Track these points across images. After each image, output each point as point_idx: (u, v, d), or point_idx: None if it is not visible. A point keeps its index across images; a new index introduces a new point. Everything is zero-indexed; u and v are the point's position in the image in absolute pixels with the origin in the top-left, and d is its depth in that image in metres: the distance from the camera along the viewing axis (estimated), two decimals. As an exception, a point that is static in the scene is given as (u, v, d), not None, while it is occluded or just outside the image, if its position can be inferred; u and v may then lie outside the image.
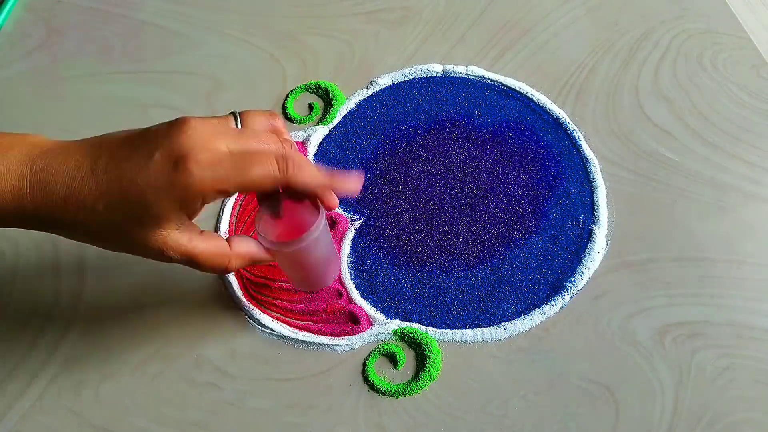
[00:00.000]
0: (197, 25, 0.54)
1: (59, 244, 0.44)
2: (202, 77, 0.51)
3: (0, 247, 0.44)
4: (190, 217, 0.31)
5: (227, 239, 0.33)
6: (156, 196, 0.28)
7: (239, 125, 0.32)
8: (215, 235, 0.33)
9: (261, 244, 0.34)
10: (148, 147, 0.29)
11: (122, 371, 0.39)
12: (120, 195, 0.29)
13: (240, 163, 0.29)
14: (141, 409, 0.38)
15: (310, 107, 0.49)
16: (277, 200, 0.34)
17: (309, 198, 0.34)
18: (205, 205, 0.30)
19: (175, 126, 0.29)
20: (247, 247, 0.33)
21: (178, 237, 0.31)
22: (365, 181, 0.46)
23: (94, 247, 0.44)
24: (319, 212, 0.34)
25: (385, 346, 0.40)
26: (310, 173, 0.32)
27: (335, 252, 0.40)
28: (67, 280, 0.42)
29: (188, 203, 0.29)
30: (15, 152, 0.29)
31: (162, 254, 0.31)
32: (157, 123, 0.30)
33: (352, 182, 0.34)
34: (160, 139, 0.29)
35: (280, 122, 0.34)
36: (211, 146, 0.29)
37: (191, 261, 0.32)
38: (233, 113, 0.32)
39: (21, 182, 0.29)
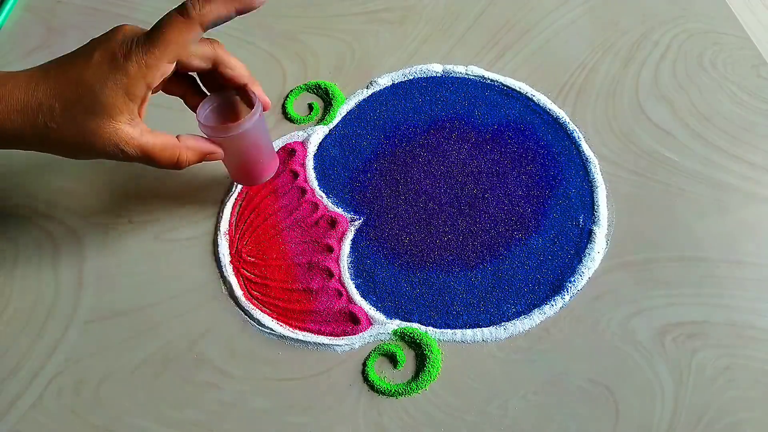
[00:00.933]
0: (197, 25, 0.54)
1: (59, 244, 0.44)
2: (202, 77, 0.51)
3: (0, 247, 0.44)
4: (140, 108, 0.34)
5: (177, 136, 0.36)
6: (102, 85, 0.32)
7: None
8: (163, 132, 0.36)
9: (205, 135, 0.38)
10: (88, 50, 0.33)
11: (122, 371, 0.39)
12: (72, 91, 0.32)
13: (153, 33, 0.33)
14: (141, 409, 0.38)
15: (310, 107, 0.49)
16: (218, 99, 0.39)
17: (242, 98, 0.39)
18: (150, 90, 0.34)
19: (111, 31, 0.34)
20: (194, 141, 0.37)
21: (130, 131, 0.34)
22: (365, 180, 0.46)
23: (94, 247, 0.44)
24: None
25: (385, 346, 0.40)
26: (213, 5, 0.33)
27: (273, 149, 0.43)
28: (67, 280, 0.42)
29: (131, 88, 0.32)
30: None
31: (118, 148, 0.34)
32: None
33: None
34: (99, 42, 0.33)
35: None
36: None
37: (146, 155, 0.35)
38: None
39: None
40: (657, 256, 0.42)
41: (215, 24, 0.34)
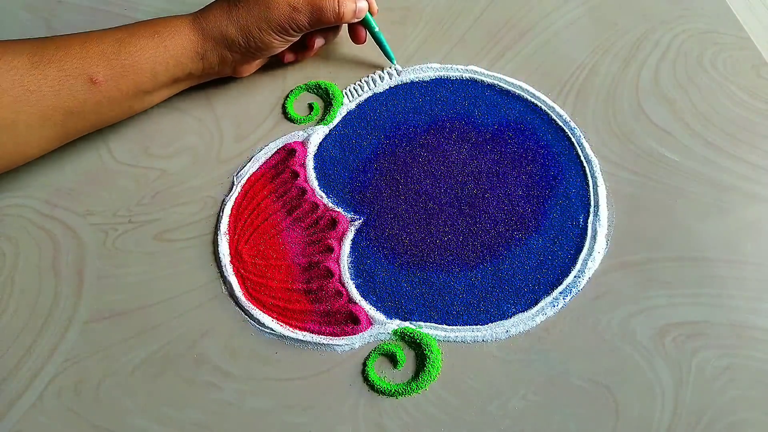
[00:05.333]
0: (197, 25, 0.54)
1: (59, 244, 0.44)
2: (202, 77, 0.51)
3: (0, 247, 0.44)
4: None
5: None
6: None
7: None
8: None
9: None
10: None
11: (122, 371, 0.39)
12: None
13: None
14: (141, 409, 0.38)
15: (310, 107, 0.49)
16: None
17: None
18: None
19: None
20: None
21: None
22: (365, 180, 0.46)
23: (94, 247, 0.44)
24: None
25: (385, 346, 0.40)
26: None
27: None
28: (67, 280, 0.42)
29: None
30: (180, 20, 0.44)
31: (290, 6, 0.43)
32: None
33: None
34: None
35: None
36: None
37: (314, 5, 0.43)
38: None
39: (194, 34, 0.44)
40: (657, 256, 0.42)
41: None
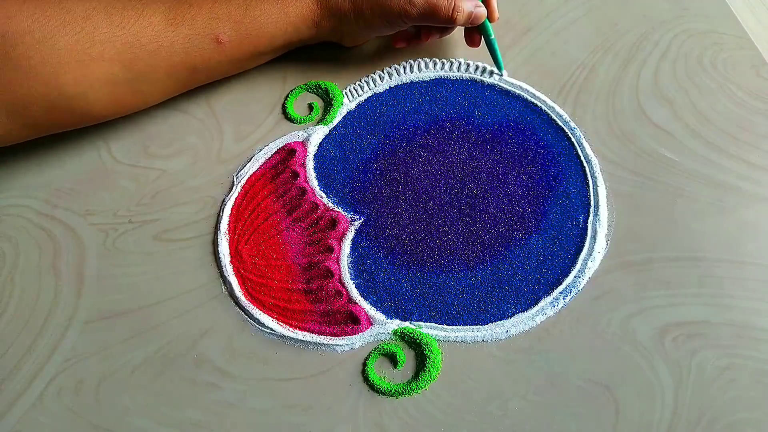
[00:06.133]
0: (197, 25, 0.54)
1: (59, 244, 0.44)
2: (202, 77, 0.51)
3: (0, 247, 0.44)
4: None
5: None
6: None
7: None
8: None
9: None
10: None
11: (122, 371, 0.39)
12: None
13: None
14: (141, 409, 0.38)
15: (310, 107, 0.49)
16: None
17: None
18: None
19: None
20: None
21: None
22: (365, 180, 0.46)
23: (94, 247, 0.44)
24: None
25: (385, 346, 0.40)
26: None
27: None
28: (67, 280, 0.42)
29: None
30: None
31: (407, 1, 0.43)
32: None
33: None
34: None
35: None
36: None
37: (429, 7, 0.44)
38: None
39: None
40: (657, 256, 0.42)
41: None
